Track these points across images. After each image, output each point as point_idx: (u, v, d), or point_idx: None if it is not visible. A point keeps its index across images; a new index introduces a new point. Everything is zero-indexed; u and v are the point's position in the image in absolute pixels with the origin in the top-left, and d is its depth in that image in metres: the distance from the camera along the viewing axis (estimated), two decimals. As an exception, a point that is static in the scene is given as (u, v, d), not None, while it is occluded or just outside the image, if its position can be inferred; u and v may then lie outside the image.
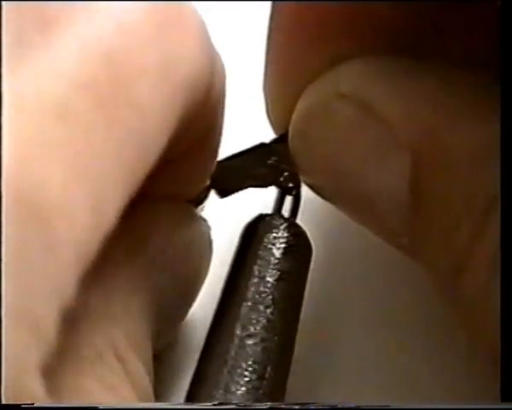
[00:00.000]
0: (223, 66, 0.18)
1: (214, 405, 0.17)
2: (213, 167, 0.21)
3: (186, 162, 0.19)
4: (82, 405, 0.15)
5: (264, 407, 0.16)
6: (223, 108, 0.19)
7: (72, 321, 0.15)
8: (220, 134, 0.20)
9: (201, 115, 0.17)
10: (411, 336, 0.21)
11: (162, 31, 0.15)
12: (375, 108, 0.18)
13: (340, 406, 0.15)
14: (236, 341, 0.18)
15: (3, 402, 0.13)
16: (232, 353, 0.18)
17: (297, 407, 0.15)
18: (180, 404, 0.17)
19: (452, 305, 0.19)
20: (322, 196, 0.21)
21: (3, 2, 0.14)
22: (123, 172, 0.14)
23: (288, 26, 0.20)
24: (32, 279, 0.12)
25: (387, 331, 0.22)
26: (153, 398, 0.17)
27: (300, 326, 0.19)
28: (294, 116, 0.20)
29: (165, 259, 0.19)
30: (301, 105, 0.20)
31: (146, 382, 0.17)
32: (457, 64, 0.20)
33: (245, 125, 0.24)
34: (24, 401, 0.12)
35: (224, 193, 0.22)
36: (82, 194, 0.13)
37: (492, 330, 0.17)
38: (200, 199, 0.22)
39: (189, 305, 0.21)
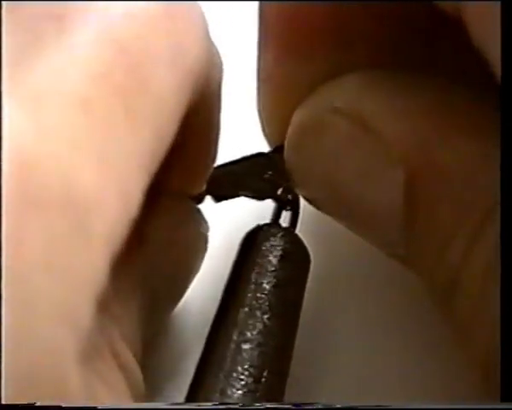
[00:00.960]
0: (220, 60, 0.18)
1: (213, 405, 0.17)
2: (212, 166, 0.21)
3: (185, 156, 0.19)
4: (82, 405, 0.15)
5: (261, 408, 0.16)
6: (219, 103, 0.19)
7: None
8: (218, 131, 0.20)
9: (200, 107, 0.17)
10: (408, 339, 0.22)
11: (171, 20, 0.16)
12: (369, 123, 0.18)
13: (336, 406, 0.15)
14: (233, 346, 0.18)
15: (3, 402, 0.13)
16: (229, 357, 0.18)
17: (293, 408, 0.16)
18: (179, 404, 0.17)
19: (446, 317, 0.19)
20: (319, 209, 0.21)
21: (3, 2, 0.14)
22: (144, 157, 0.14)
23: (279, 39, 0.20)
24: (68, 269, 0.12)
25: (384, 336, 0.22)
26: (143, 388, 0.18)
27: (299, 331, 0.20)
28: (289, 131, 0.21)
29: (164, 258, 0.19)
30: (296, 120, 0.20)
31: (137, 373, 0.17)
32: (451, 78, 0.20)
33: (243, 132, 0.24)
34: (63, 390, 0.12)
35: (218, 198, 0.22)
36: (111, 182, 0.13)
37: (485, 343, 0.17)
38: (198, 201, 0.22)
39: (178, 300, 0.21)
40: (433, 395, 0.20)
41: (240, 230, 0.22)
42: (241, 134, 0.24)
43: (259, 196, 0.22)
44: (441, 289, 0.18)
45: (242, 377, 0.17)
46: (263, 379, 0.18)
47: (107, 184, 0.13)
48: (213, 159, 0.21)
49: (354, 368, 0.21)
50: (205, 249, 0.21)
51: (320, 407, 0.16)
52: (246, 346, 0.18)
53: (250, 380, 0.17)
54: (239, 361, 0.18)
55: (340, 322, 0.22)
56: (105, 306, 0.16)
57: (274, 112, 0.22)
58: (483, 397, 0.17)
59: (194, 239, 0.21)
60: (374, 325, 0.22)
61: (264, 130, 0.22)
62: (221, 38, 0.19)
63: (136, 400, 0.17)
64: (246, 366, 0.18)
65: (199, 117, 0.18)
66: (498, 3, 0.14)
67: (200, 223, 0.21)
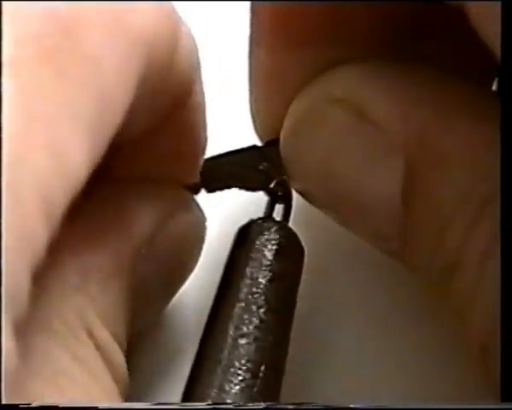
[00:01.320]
0: (191, 37, 0.18)
1: (209, 405, 0.17)
2: (203, 153, 0.21)
3: (171, 142, 0.19)
4: (82, 405, 0.16)
5: (259, 408, 0.16)
6: (200, 86, 0.19)
7: (45, 291, 0.16)
8: (203, 117, 0.20)
9: (167, 83, 0.17)
10: (405, 332, 0.22)
11: None
12: (367, 112, 0.18)
13: (334, 406, 0.16)
14: (230, 340, 0.18)
15: (3, 402, 0.14)
16: (225, 352, 0.18)
17: (291, 407, 0.16)
18: (178, 404, 0.17)
19: (444, 301, 0.19)
20: (313, 203, 0.21)
21: (3, 2, 0.14)
22: (83, 121, 0.14)
23: (270, 34, 0.20)
24: (3, 235, 0.12)
25: (379, 330, 0.22)
26: (126, 375, 0.18)
27: (294, 326, 0.20)
28: (286, 122, 0.20)
29: (155, 247, 0.19)
30: (293, 110, 0.20)
31: (119, 359, 0.18)
32: (448, 67, 0.20)
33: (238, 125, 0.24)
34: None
35: (211, 189, 0.22)
36: (39, 142, 0.13)
37: (482, 325, 0.17)
38: (193, 192, 0.22)
39: (173, 293, 0.21)
40: (433, 395, 0.21)
41: (233, 223, 0.22)
42: (235, 127, 0.24)
43: (253, 188, 0.22)
44: (438, 277, 0.18)
45: (240, 371, 0.17)
46: (260, 374, 0.18)
47: (36, 143, 0.13)
48: (203, 145, 0.21)
49: (350, 361, 0.22)
50: (201, 241, 0.21)
51: (315, 407, 0.16)
52: (242, 341, 0.18)
53: (248, 375, 0.17)
54: (236, 356, 0.18)
55: (334, 314, 0.22)
56: (50, 289, 0.17)
57: (266, 107, 0.22)
58: (483, 396, 0.17)
59: (189, 229, 0.21)
60: (369, 316, 0.22)
61: (255, 125, 0.22)
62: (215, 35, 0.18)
63: (116, 380, 0.17)
64: (243, 361, 0.18)
65: (167, 93, 0.18)
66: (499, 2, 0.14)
67: (195, 214, 0.21)
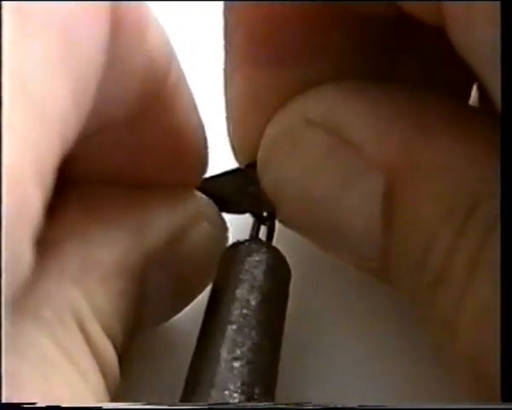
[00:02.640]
0: (158, 23, 0.18)
1: (211, 405, 0.17)
2: (205, 152, 0.21)
3: (146, 126, 0.19)
4: (84, 405, 0.16)
5: (261, 407, 0.17)
6: (169, 66, 0.18)
7: (40, 277, 0.17)
8: (179, 98, 0.19)
9: (138, 61, 0.17)
10: (394, 343, 0.22)
11: None
12: (344, 134, 0.18)
13: (334, 406, 0.16)
14: (223, 364, 0.18)
15: (3, 402, 0.14)
16: (219, 375, 0.18)
17: (293, 407, 0.16)
18: (179, 404, 0.17)
19: (427, 320, 0.19)
20: (291, 227, 0.21)
21: (3, 2, 0.14)
22: (62, 81, 0.14)
23: (244, 56, 0.20)
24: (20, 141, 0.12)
25: (363, 341, 0.22)
26: (117, 372, 0.18)
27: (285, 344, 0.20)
28: (262, 145, 0.21)
29: (171, 254, 0.19)
30: (269, 133, 0.20)
31: (110, 355, 0.18)
32: (424, 83, 0.20)
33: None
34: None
35: None
36: (19, 102, 0.13)
37: (470, 339, 0.17)
38: None
39: (186, 303, 0.21)
40: (433, 395, 0.21)
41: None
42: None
43: (239, 211, 0.23)
44: (420, 294, 0.18)
45: (235, 395, 0.17)
46: (255, 396, 0.18)
47: (16, 102, 0.13)
48: (203, 144, 0.21)
49: (338, 376, 0.22)
50: (218, 252, 0.21)
51: (315, 407, 0.16)
52: (236, 364, 0.18)
53: (242, 398, 0.17)
54: (230, 379, 0.18)
55: (321, 331, 0.23)
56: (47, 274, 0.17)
57: (242, 131, 0.22)
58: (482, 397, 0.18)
59: (209, 241, 0.21)
60: (354, 329, 0.22)
61: (233, 148, 0.22)
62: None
63: (105, 375, 0.17)
64: (238, 384, 0.18)
65: (154, 85, 0.18)
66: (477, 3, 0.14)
67: (217, 225, 0.21)
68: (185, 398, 0.18)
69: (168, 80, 0.18)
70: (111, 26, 0.15)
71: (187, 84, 0.19)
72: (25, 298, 0.16)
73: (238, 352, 0.18)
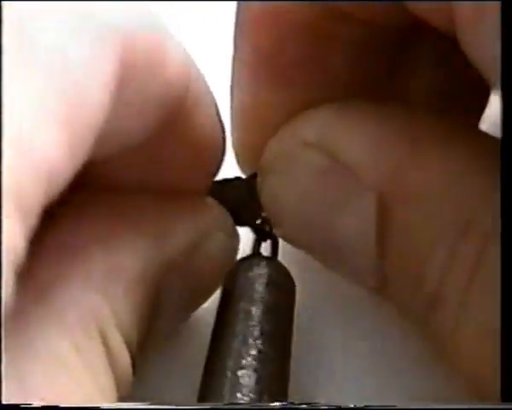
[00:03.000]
0: (178, 43, 0.18)
1: (224, 404, 0.17)
2: (221, 157, 0.21)
3: (166, 144, 0.19)
4: (84, 405, 0.16)
5: (274, 407, 0.17)
6: (189, 85, 0.18)
7: (66, 279, 0.17)
8: (199, 116, 0.19)
9: (155, 86, 0.17)
10: (398, 357, 0.22)
11: None
12: (338, 154, 0.19)
13: (345, 406, 0.16)
14: (229, 374, 0.18)
15: (3, 402, 0.14)
16: (227, 385, 0.18)
17: (305, 407, 0.16)
18: (179, 404, 0.17)
19: (427, 338, 0.19)
20: (291, 243, 0.22)
21: (3, 2, 0.14)
22: (51, 115, 0.13)
23: (251, 72, 0.21)
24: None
25: (371, 352, 0.23)
26: (130, 379, 0.18)
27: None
28: (260, 166, 0.21)
29: (188, 263, 0.20)
30: (267, 153, 0.21)
31: (126, 362, 0.18)
32: (417, 103, 0.21)
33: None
34: None
35: None
36: (7, 137, 0.13)
37: (470, 353, 0.17)
38: None
39: (194, 309, 0.22)
40: (433, 395, 0.21)
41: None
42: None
43: (239, 222, 0.23)
44: (418, 312, 0.18)
45: (242, 402, 0.18)
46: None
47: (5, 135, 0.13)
48: (222, 151, 0.21)
49: (344, 391, 0.22)
50: (231, 263, 0.22)
51: (327, 407, 0.16)
52: (242, 373, 0.18)
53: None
54: (238, 388, 0.18)
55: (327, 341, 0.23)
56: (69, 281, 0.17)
57: (245, 143, 0.22)
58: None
59: (224, 251, 0.21)
60: (361, 341, 0.23)
61: (237, 159, 0.23)
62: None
63: (118, 383, 0.18)
64: (245, 392, 0.18)
65: (173, 106, 0.18)
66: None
67: (232, 236, 0.21)
68: None
69: (187, 98, 0.18)
70: (121, 66, 0.15)
71: (208, 94, 0.20)
72: (49, 303, 0.16)
73: (243, 362, 0.19)
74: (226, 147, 0.21)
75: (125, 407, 0.17)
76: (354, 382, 0.22)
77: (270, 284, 0.21)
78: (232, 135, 0.22)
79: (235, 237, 0.22)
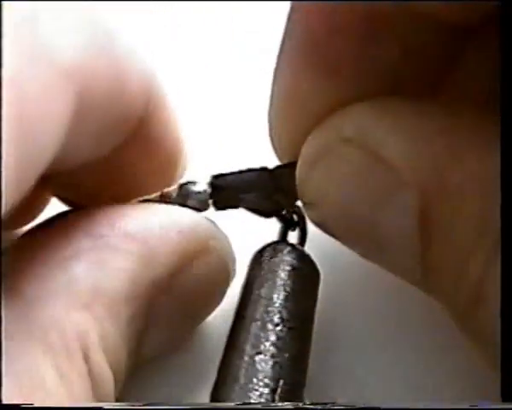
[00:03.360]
0: (139, 60, 0.18)
1: (238, 404, 0.17)
2: (175, 161, 0.21)
3: (129, 157, 0.19)
4: (85, 405, 0.16)
5: (288, 407, 0.17)
6: (150, 103, 0.18)
7: (51, 300, 0.16)
8: (162, 128, 0.20)
9: (115, 111, 0.17)
10: (416, 345, 0.22)
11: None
12: (379, 152, 0.19)
13: (359, 406, 0.16)
14: (246, 358, 0.18)
15: (3, 402, 0.14)
16: (243, 369, 0.18)
17: (319, 407, 0.16)
18: (179, 404, 0.18)
19: (469, 336, 0.19)
20: (330, 235, 0.21)
21: (3, 2, 0.14)
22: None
23: (302, 55, 0.20)
24: None
25: (392, 346, 0.22)
26: (112, 399, 0.18)
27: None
28: (300, 163, 0.21)
29: (176, 283, 0.19)
30: (307, 148, 0.21)
31: (108, 383, 0.18)
32: (459, 101, 0.21)
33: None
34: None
35: (219, 207, 0.23)
36: None
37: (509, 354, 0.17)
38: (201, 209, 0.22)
39: (196, 325, 0.21)
40: (433, 396, 0.21)
41: (249, 248, 0.22)
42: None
43: (263, 213, 0.23)
44: (461, 309, 0.18)
45: (257, 388, 0.18)
46: (278, 389, 0.18)
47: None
48: (183, 156, 0.21)
49: (362, 382, 0.22)
50: (227, 281, 0.21)
51: (342, 407, 0.16)
52: (259, 358, 0.18)
53: (266, 390, 0.18)
54: (253, 373, 0.18)
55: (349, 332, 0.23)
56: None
57: (287, 129, 0.22)
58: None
59: (212, 271, 0.21)
60: (381, 333, 0.22)
61: (273, 145, 0.23)
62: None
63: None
64: (260, 377, 0.18)
65: (134, 125, 0.18)
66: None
67: (219, 256, 0.21)
68: (214, 394, 0.18)
69: (148, 114, 0.19)
70: (78, 98, 0.15)
71: (168, 106, 0.20)
72: (33, 320, 0.16)
73: (262, 347, 0.18)
74: (188, 153, 0.22)
75: (125, 407, 0.17)
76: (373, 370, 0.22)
77: (293, 271, 0.20)
78: (270, 123, 0.22)
79: (230, 258, 0.21)
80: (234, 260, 0.22)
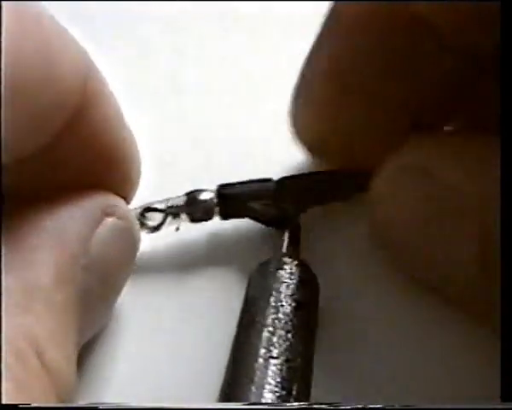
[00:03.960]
0: (69, 44, 0.18)
1: (245, 404, 0.18)
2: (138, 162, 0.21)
3: (66, 145, 0.19)
4: (83, 405, 0.16)
5: (295, 407, 0.18)
6: (91, 90, 0.18)
7: None
8: (98, 122, 0.19)
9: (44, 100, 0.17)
10: (413, 350, 0.23)
11: None
12: (447, 181, 0.20)
13: (368, 406, 0.17)
14: (261, 360, 0.19)
15: (3, 402, 0.14)
16: (258, 371, 0.19)
17: (325, 407, 0.17)
18: (179, 404, 0.18)
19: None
20: (398, 266, 0.22)
21: (3, 2, 0.14)
22: None
23: (338, 65, 0.21)
24: None
25: (389, 343, 0.23)
26: (73, 392, 0.18)
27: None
28: (370, 193, 0.22)
29: (89, 254, 0.19)
30: (376, 182, 0.22)
31: (68, 377, 0.18)
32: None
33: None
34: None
35: (225, 216, 0.24)
36: None
37: None
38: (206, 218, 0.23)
39: (113, 300, 0.22)
40: (433, 396, 0.22)
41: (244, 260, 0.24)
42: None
43: (265, 221, 0.24)
44: None
45: (276, 389, 0.19)
46: (294, 392, 0.19)
47: None
48: (131, 153, 0.21)
49: (361, 383, 0.22)
50: (132, 247, 0.21)
51: (349, 407, 0.17)
52: (274, 361, 0.19)
53: (283, 393, 0.19)
54: (270, 375, 0.19)
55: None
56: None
57: (310, 123, 0.23)
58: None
59: (119, 235, 0.21)
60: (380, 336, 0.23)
61: (296, 130, 0.24)
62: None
63: (60, 399, 0.17)
64: (278, 380, 0.19)
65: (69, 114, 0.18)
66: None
67: (125, 220, 0.21)
68: (225, 396, 0.19)
69: (84, 102, 0.18)
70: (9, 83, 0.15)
71: (108, 93, 0.20)
72: None
73: (275, 351, 0.19)
74: (138, 152, 0.22)
75: (125, 406, 0.17)
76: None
77: (300, 282, 0.22)
78: (295, 106, 0.23)
79: (132, 221, 0.22)
80: (133, 220, 0.22)
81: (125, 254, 0.21)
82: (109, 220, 0.20)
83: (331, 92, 0.22)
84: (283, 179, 0.24)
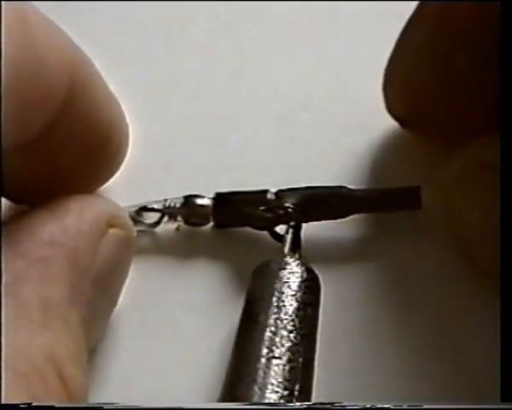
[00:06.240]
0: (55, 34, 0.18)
1: (249, 403, 0.18)
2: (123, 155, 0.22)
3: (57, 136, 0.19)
4: (86, 405, 0.16)
5: (297, 407, 0.18)
6: (80, 78, 0.18)
7: (12, 331, 0.16)
8: (86, 111, 0.19)
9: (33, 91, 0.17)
10: (410, 348, 0.23)
11: None
12: None
13: (370, 406, 0.17)
14: (263, 360, 0.19)
15: (3, 402, 0.14)
16: (261, 371, 0.19)
17: (328, 407, 0.17)
18: (179, 404, 0.17)
19: None
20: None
21: (3, 2, 0.14)
22: None
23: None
24: None
25: (389, 344, 0.23)
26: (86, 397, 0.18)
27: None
28: (444, 183, 0.22)
29: (95, 270, 0.19)
30: (449, 173, 0.22)
31: (83, 390, 0.18)
32: None
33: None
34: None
35: (221, 225, 0.24)
36: None
37: None
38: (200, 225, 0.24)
39: (113, 307, 0.22)
40: (433, 396, 0.22)
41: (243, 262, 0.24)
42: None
43: (261, 227, 0.24)
44: None
45: (278, 389, 0.19)
46: (295, 392, 0.19)
47: None
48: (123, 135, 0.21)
49: (360, 387, 0.23)
50: (128, 253, 0.21)
51: (353, 407, 0.17)
52: (276, 361, 0.19)
53: (286, 393, 0.19)
54: (272, 375, 0.19)
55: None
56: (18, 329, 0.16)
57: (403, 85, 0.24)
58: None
59: (117, 243, 0.21)
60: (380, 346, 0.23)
61: (388, 98, 0.24)
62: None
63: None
64: (280, 380, 0.19)
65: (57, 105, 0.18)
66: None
67: (124, 227, 0.21)
68: (227, 396, 0.19)
69: (74, 90, 0.18)
70: None
71: (98, 80, 0.20)
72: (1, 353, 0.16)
73: (277, 351, 0.20)
74: (128, 134, 0.22)
75: (125, 407, 0.17)
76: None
77: (302, 282, 0.22)
78: (390, 72, 0.24)
79: (129, 229, 0.21)
80: (133, 228, 0.22)
81: (124, 264, 0.21)
82: (112, 232, 0.20)
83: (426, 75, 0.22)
84: (281, 191, 0.24)
